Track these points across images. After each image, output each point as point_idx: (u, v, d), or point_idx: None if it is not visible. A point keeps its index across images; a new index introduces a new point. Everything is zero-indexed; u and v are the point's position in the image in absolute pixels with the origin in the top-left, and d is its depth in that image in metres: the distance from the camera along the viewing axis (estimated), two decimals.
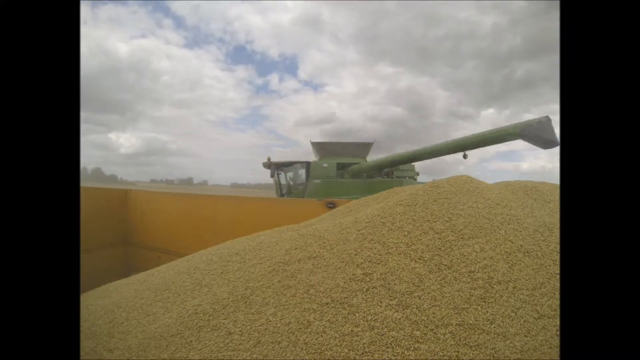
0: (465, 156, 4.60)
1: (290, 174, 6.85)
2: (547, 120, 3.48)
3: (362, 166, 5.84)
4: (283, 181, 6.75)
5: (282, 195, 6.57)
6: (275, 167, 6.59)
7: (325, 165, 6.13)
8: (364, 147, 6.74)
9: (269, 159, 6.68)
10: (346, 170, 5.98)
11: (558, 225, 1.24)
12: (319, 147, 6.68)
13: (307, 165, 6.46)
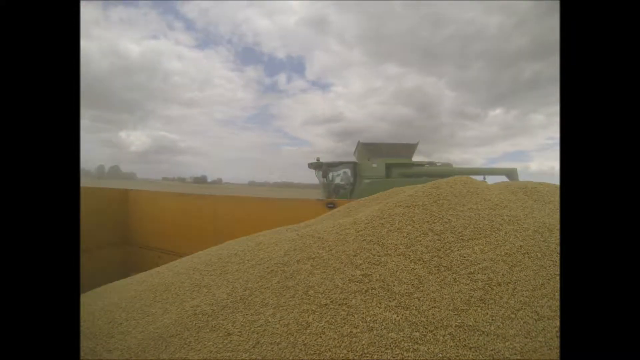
0: (484, 179, 6.22)
1: (336, 174, 7.04)
2: (515, 170, 6.51)
3: (415, 171, 6.49)
4: (335, 181, 7.02)
5: (331, 195, 6.81)
6: (327, 167, 6.83)
7: (374, 165, 6.40)
8: (410, 148, 7.08)
9: (318, 159, 6.92)
10: (401, 172, 6.38)
11: (558, 226, 1.23)
12: (368, 147, 6.93)
13: (354, 165, 6.71)
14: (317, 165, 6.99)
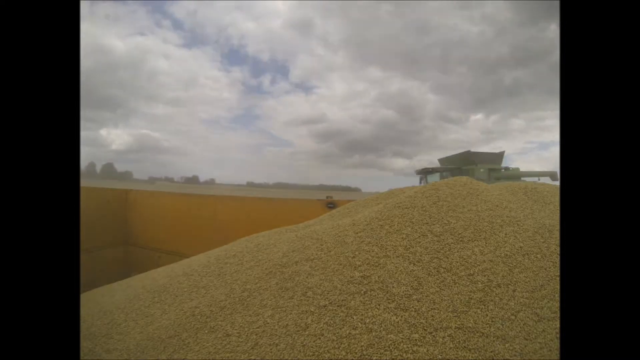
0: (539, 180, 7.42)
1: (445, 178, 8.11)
2: (556, 172, 7.58)
3: (502, 174, 7.87)
4: None
5: None
6: (450, 172, 8.00)
7: (482, 170, 7.95)
8: (501, 156, 8.70)
9: (426, 168, 8.33)
10: (495, 176, 7.73)
11: (558, 227, 1.23)
12: (476, 155, 8.47)
13: (456, 170, 7.93)
14: (426, 171, 8.47)
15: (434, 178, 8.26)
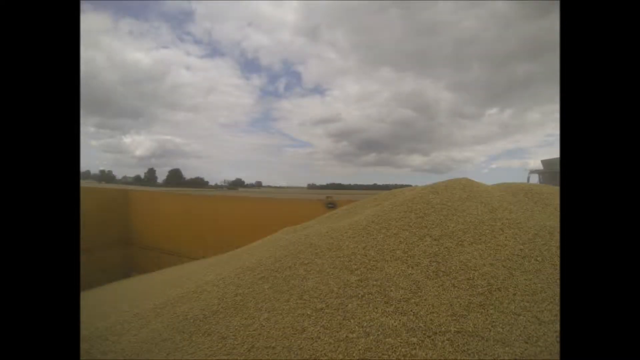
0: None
1: None
2: None
3: None
4: None
5: None
6: (550, 175, 7.62)
7: None
8: None
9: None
10: None
11: (559, 229, 1.22)
12: None
13: None
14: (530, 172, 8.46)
15: (534, 179, 7.90)
